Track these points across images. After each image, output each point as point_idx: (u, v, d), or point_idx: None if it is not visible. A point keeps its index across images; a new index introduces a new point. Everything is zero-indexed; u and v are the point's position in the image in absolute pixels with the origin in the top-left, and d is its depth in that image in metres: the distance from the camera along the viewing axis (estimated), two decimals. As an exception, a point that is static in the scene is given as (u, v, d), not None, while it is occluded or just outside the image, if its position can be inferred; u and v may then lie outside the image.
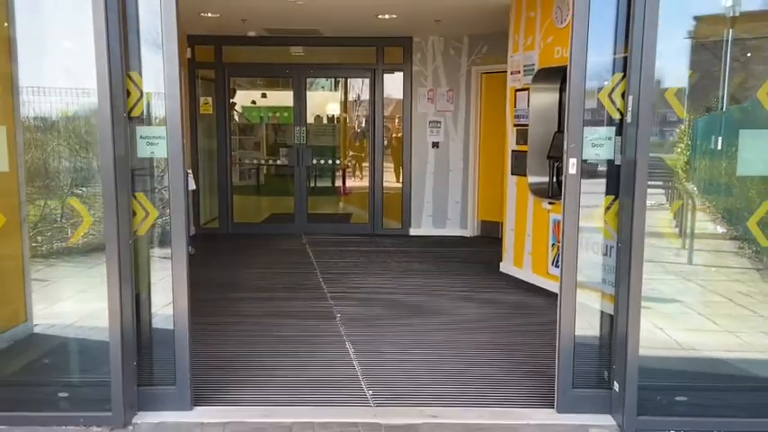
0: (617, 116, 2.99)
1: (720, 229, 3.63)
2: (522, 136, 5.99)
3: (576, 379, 3.18)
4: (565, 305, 3.10)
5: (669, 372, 3.38)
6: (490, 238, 7.88)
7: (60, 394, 3.13)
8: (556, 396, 3.18)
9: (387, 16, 7.12)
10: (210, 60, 8.51)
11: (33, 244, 3.47)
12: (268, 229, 8.82)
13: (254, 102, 9.78)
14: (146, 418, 3.10)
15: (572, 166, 2.93)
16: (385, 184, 8.81)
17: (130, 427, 3.02)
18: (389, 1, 6.46)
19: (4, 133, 3.04)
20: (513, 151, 6.27)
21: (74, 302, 3.58)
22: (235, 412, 3.20)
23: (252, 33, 8.06)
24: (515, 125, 6.20)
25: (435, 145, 8.56)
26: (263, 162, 9.63)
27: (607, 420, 3.13)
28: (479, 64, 8.20)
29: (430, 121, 8.52)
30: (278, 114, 9.57)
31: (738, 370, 3.43)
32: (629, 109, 2.93)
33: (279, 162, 9.27)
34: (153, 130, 2.94)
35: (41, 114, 3.22)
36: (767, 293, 3.72)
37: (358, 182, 9.50)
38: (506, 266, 6.39)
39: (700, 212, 3.58)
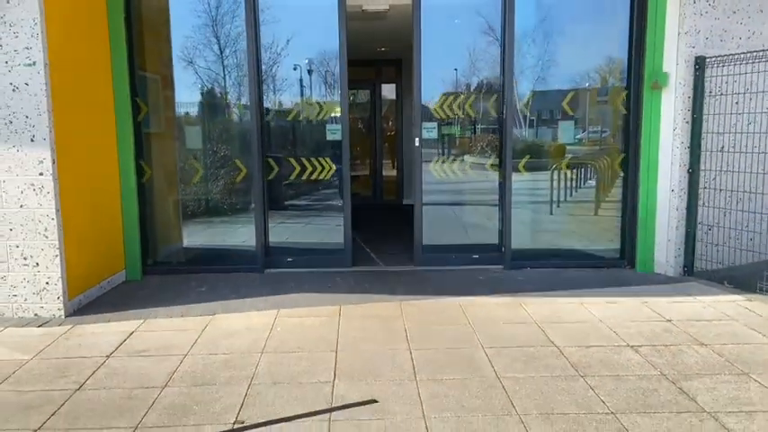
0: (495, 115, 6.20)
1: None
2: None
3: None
4: (417, 213, 6.30)
5: (527, 244, 6.54)
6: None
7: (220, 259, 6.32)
8: (415, 255, 6.39)
9: (384, 48, 10.31)
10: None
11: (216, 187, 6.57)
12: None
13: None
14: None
15: (416, 141, 6.14)
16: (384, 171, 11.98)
17: (265, 273, 6.20)
18: (386, 40, 9.66)
19: (200, 134, 6.21)
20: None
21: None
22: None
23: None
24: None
25: (420, 138, 11.70)
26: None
27: (498, 267, 6.32)
28: (450, 79, 11.37)
29: (416, 121, 11.66)
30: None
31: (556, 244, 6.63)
32: (504, 111, 6.10)
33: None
34: (334, 126, 6.12)
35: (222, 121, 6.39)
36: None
37: (363, 168, 12.63)
38: (467, 216, 9.59)
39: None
